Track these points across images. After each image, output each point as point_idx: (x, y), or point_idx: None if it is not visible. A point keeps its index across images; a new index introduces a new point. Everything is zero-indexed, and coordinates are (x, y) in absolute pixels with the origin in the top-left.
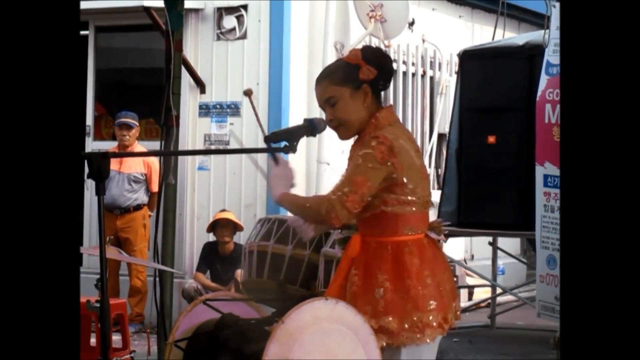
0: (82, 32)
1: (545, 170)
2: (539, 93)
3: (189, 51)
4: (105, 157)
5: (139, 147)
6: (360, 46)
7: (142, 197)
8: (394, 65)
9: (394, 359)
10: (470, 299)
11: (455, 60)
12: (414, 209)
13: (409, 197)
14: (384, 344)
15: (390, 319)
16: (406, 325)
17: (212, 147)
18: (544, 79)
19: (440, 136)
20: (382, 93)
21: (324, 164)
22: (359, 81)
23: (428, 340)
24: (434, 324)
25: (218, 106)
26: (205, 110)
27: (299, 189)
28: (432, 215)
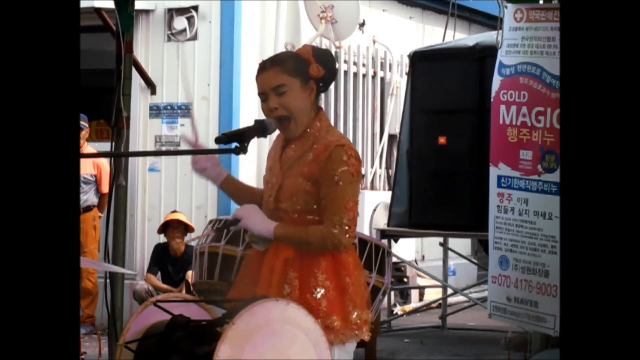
0: None
1: (500, 171)
2: (493, 94)
3: (140, 52)
4: None
5: (89, 148)
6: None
7: (92, 198)
8: (345, 67)
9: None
10: (421, 299)
11: (406, 61)
12: None
13: None
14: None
15: (334, 317)
16: (347, 323)
17: (163, 148)
18: (497, 80)
19: (391, 137)
20: (329, 95)
21: None
22: (308, 76)
23: (365, 338)
24: (367, 320)
25: (169, 107)
26: (156, 111)
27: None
28: (384, 216)
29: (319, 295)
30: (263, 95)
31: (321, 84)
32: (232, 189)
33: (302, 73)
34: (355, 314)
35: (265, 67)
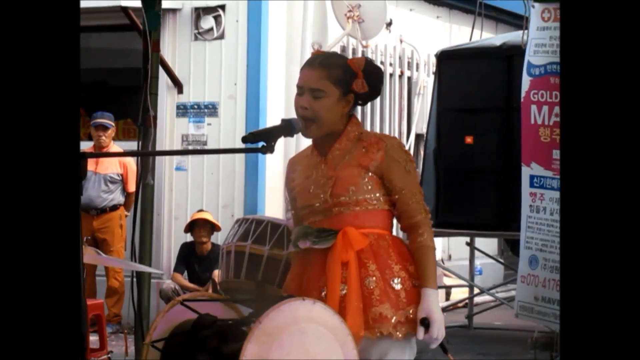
0: None
1: (532, 170)
2: (523, 94)
3: (167, 51)
4: (82, 157)
5: (115, 147)
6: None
7: (118, 197)
8: None
9: (401, 348)
10: (447, 299)
11: (433, 60)
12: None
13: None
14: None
15: (414, 307)
16: None
17: (190, 148)
18: (526, 80)
19: (418, 136)
20: None
21: None
22: (350, 89)
23: None
24: None
25: (196, 106)
26: (182, 110)
27: (276, 189)
28: None
29: (398, 287)
30: (300, 89)
31: (360, 100)
32: None
33: (345, 85)
34: None
35: (314, 64)
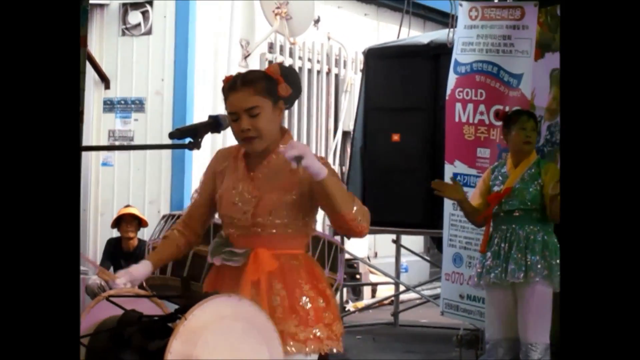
0: None
1: (455, 168)
2: (449, 92)
3: (94, 47)
4: None
5: None
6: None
7: None
8: (299, 63)
9: None
10: (373, 296)
11: (361, 58)
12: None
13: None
14: (320, 351)
15: (322, 326)
16: (331, 333)
17: (117, 143)
18: (452, 78)
19: (345, 134)
20: None
21: None
22: (278, 96)
23: (341, 349)
24: (342, 333)
25: (123, 102)
26: (109, 105)
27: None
28: None
29: (308, 305)
30: (234, 115)
31: (289, 102)
32: (160, 263)
33: (272, 94)
34: (337, 325)
35: (237, 87)
